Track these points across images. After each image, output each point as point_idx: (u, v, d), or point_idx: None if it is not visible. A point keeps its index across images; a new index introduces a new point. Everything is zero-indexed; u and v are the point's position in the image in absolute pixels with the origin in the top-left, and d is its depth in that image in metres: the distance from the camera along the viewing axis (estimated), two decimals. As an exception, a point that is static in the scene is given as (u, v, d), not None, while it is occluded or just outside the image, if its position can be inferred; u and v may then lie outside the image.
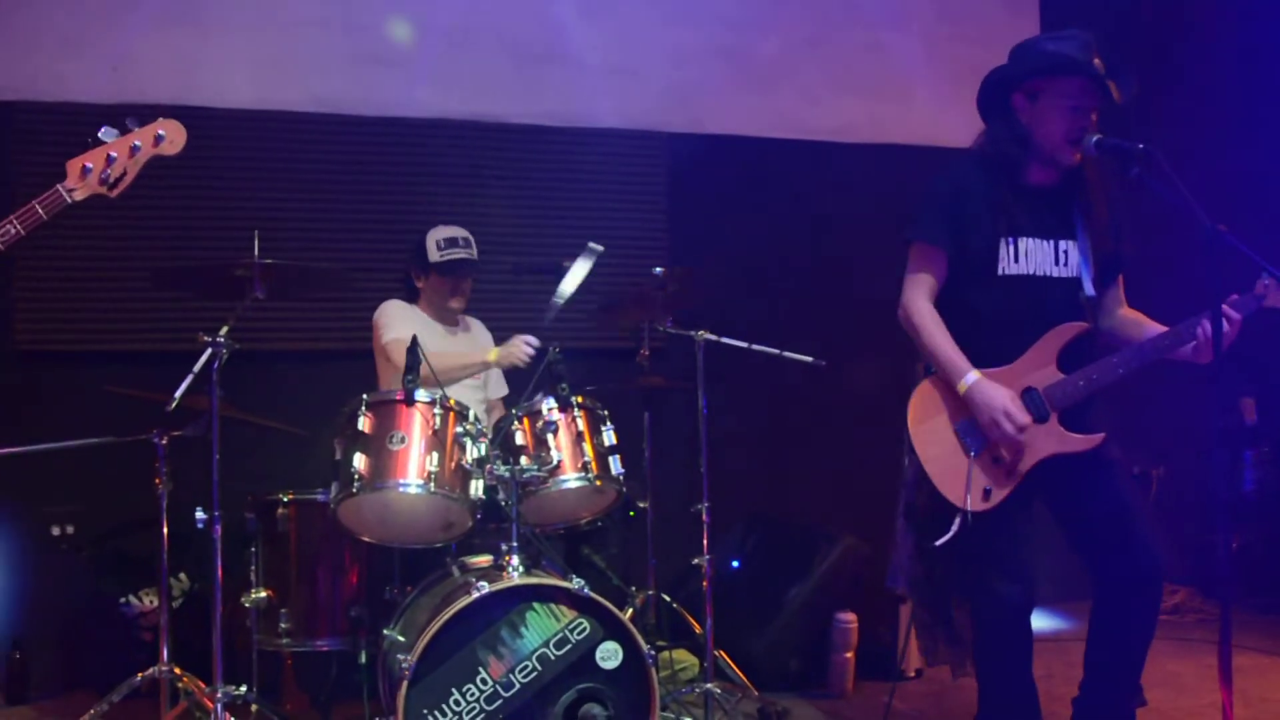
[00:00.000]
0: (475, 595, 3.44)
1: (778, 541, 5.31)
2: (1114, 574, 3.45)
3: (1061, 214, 3.54)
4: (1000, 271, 3.48)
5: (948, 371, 3.45)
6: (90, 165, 3.23)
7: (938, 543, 3.42)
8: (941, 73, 6.10)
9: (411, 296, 4.81)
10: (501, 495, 3.87)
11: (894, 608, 4.92)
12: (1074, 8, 6.02)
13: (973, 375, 3.40)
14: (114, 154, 3.24)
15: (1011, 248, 3.48)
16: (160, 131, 3.33)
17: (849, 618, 4.90)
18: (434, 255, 4.71)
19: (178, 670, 4.12)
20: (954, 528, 3.40)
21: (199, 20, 5.35)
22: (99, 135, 3.26)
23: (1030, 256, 3.50)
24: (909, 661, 5.02)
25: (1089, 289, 3.52)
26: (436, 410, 3.89)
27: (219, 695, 3.81)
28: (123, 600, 4.78)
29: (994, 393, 3.37)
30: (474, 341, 4.85)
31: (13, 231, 3.07)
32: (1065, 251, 3.53)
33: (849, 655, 4.89)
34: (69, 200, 3.19)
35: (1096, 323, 3.57)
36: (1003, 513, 3.42)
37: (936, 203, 3.56)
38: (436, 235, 4.75)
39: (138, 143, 3.28)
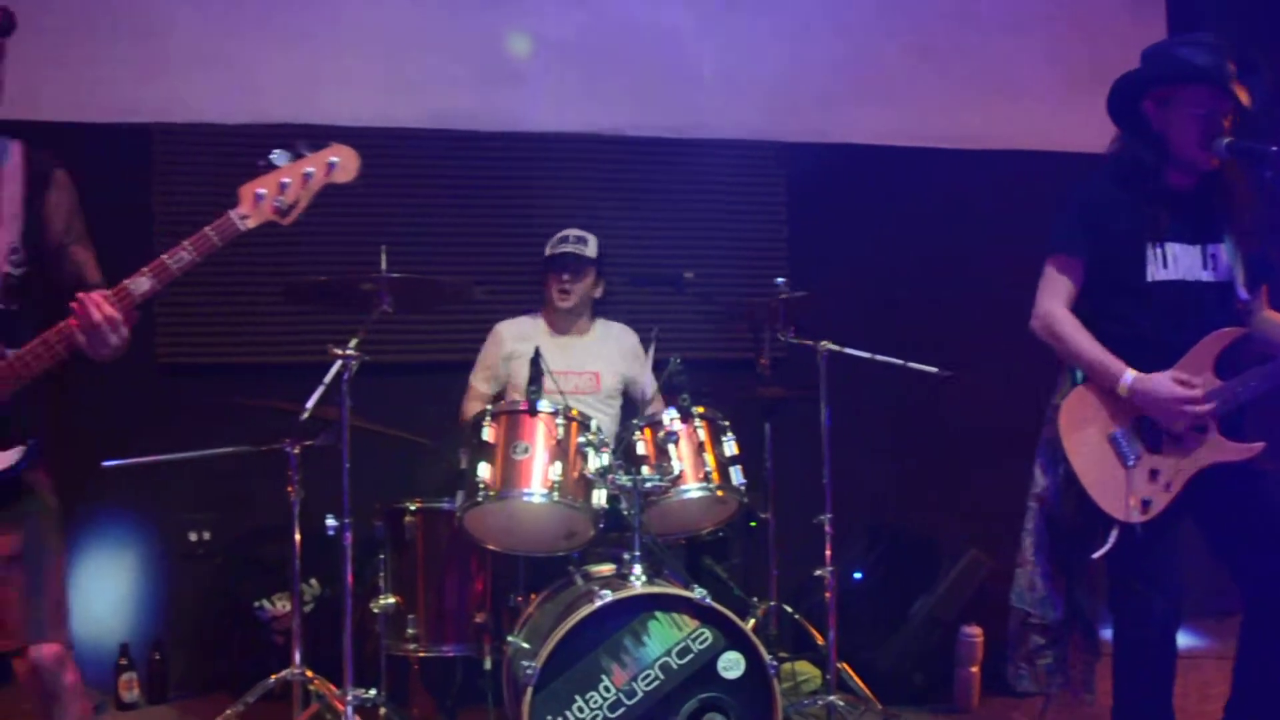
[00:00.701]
0: (598, 603, 3.48)
1: (902, 553, 5.26)
2: (1266, 591, 3.34)
3: (1206, 217, 3.45)
4: (1149, 278, 3.40)
5: (1101, 375, 3.38)
6: (263, 192, 3.02)
7: (1095, 555, 3.35)
8: (1062, 75, 6.00)
9: (540, 307, 4.90)
10: (624, 505, 3.90)
11: (1022, 621, 4.83)
12: (1202, 3, 5.89)
13: (1130, 374, 3.33)
14: (286, 180, 3.03)
15: (1159, 253, 3.40)
16: (333, 159, 3.11)
17: (975, 631, 4.83)
18: (546, 252, 4.82)
19: (309, 673, 4.21)
20: (1110, 540, 3.33)
21: (325, 41, 5.49)
22: (270, 159, 3.05)
23: (1179, 261, 3.41)
24: (1037, 677, 4.92)
25: (1242, 293, 3.42)
26: (559, 420, 3.94)
27: (349, 698, 3.89)
28: (256, 605, 4.91)
29: (1159, 383, 3.30)
30: (601, 347, 4.89)
31: (187, 258, 2.94)
32: (1213, 255, 3.44)
33: (974, 669, 4.82)
34: (241, 228, 3.00)
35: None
36: (1157, 526, 3.33)
37: (1072, 213, 3.50)
38: (561, 235, 4.85)
39: (310, 169, 3.06)
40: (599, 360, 4.83)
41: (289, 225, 3.04)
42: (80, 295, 2.82)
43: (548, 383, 4.18)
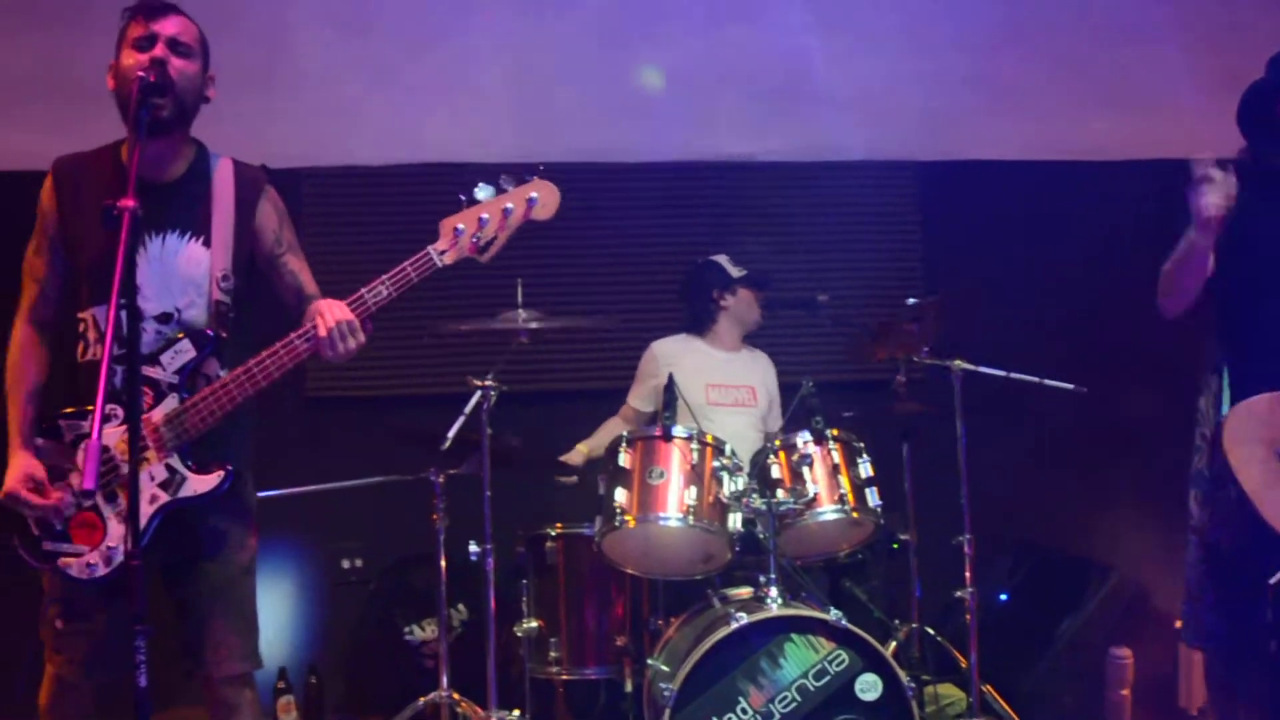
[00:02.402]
0: (734, 626, 3.52)
1: (1047, 573, 5.17)
2: None
3: None
4: None
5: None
6: (462, 227, 3.02)
7: (1272, 580, 3.21)
8: (1202, 82, 5.83)
9: (697, 327, 4.94)
10: (759, 528, 3.93)
11: (1173, 642, 4.71)
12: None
13: None
14: (485, 216, 3.02)
15: None
16: (533, 194, 3.08)
17: (1124, 653, 4.73)
18: (736, 271, 4.87)
19: (456, 696, 4.32)
20: None
21: (460, 82, 5.63)
22: (474, 193, 3.05)
23: None
24: (1191, 699, 4.80)
25: None
26: (694, 445, 4.00)
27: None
28: (406, 630, 5.04)
29: None
30: (754, 365, 4.95)
31: (385, 293, 3.00)
32: None
33: (1125, 692, 4.72)
34: (439, 264, 3.02)
35: None
36: None
37: None
38: (721, 259, 4.92)
39: (510, 205, 3.05)
40: (754, 377, 4.90)
41: (487, 262, 3.06)
42: (318, 303, 2.97)
43: (684, 405, 4.25)
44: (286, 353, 2.96)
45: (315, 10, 5.58)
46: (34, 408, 3.04)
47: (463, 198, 3.05)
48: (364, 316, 2.99)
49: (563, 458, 4.66)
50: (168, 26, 2.96)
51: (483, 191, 3.05)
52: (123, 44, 2.98)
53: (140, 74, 2.82)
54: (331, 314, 2.94)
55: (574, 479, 4.62)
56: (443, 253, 3.03)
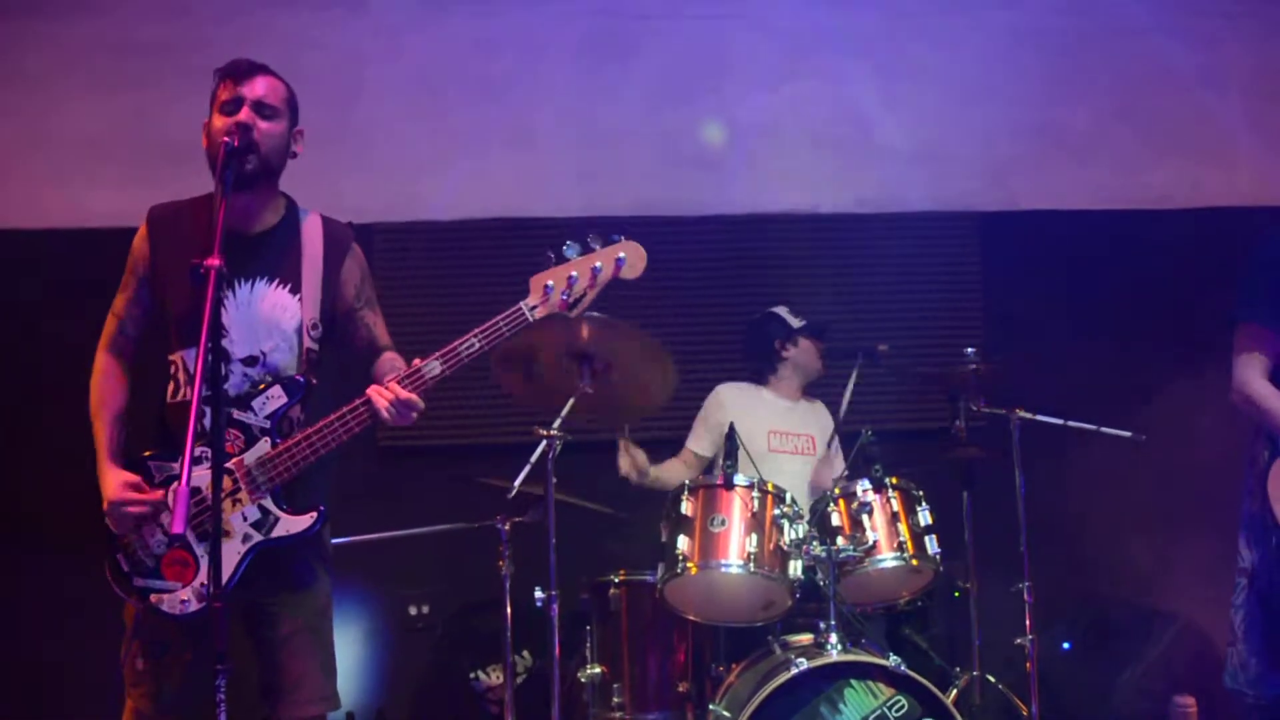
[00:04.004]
0: (794, 671, 3.57)
1: (1109, 621, 5.16)
2: None
3: None
4: None
5: None
6: (552, 284, 3.11)
7: None
8: (1266, 130, 5.86)
9: (759, 377, 5.03)
10: (819, 575, 3.98)
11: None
12: None
13: None
14: (575, 274, 3.12)
15: None
16: (621, 255, 3.17)
17: (1187, 701, 4.71)
18: (795, 323, 4.96)
19: (577, 743, 4.36)
20: None
21: (530, 138, 5.79)
22: (562, 251, 3.14)
23: None
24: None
25: None
26: (755, 494, 4.06)
27: (559, 764, 4.04)
28: (472, 676, 5.11)
29: None
30: (813, 415, 5.02)
31: (477, 346, 3.07)
32: None
33: (1189, 740, 4.70)
34: (530, 319, 3.11)
35: None
36: None
37: (1256, 277, 3.43)
38: (781, 310, 5.01)
39: (599, 264, 3.14)
40: (813, 427, 4.97)
41: (575, 318, 3.16)
42: (369, 391, 3.03)
43: (745, 454, 4.32)
44: (354, 419, 3.06)
45: (387, 69, 5.78)
46: (118, 429, 3.16)
47: (551, 255, 3.14)
48: (456, 367, 3.07)
49: (627, 446, 4.71)
50: (255, 89, 3.08)
51: (571, 250, 3.15)
52: (213, 105, 3.11)
53: (225, 139, 2.96)
54: (379, 410, 3.02)
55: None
56: (534, 308, 3.11)
